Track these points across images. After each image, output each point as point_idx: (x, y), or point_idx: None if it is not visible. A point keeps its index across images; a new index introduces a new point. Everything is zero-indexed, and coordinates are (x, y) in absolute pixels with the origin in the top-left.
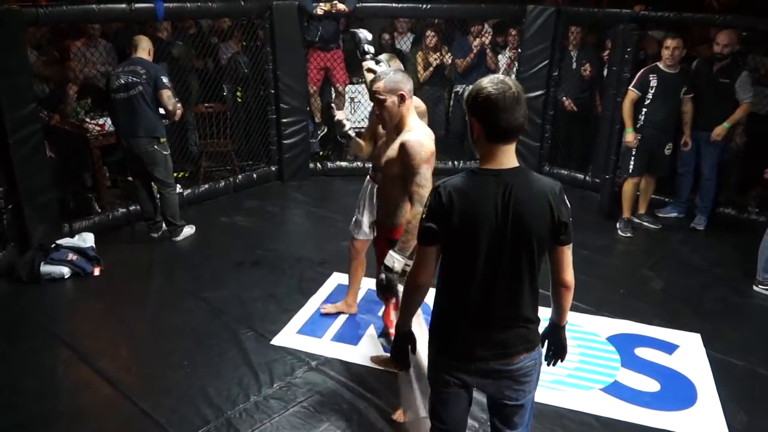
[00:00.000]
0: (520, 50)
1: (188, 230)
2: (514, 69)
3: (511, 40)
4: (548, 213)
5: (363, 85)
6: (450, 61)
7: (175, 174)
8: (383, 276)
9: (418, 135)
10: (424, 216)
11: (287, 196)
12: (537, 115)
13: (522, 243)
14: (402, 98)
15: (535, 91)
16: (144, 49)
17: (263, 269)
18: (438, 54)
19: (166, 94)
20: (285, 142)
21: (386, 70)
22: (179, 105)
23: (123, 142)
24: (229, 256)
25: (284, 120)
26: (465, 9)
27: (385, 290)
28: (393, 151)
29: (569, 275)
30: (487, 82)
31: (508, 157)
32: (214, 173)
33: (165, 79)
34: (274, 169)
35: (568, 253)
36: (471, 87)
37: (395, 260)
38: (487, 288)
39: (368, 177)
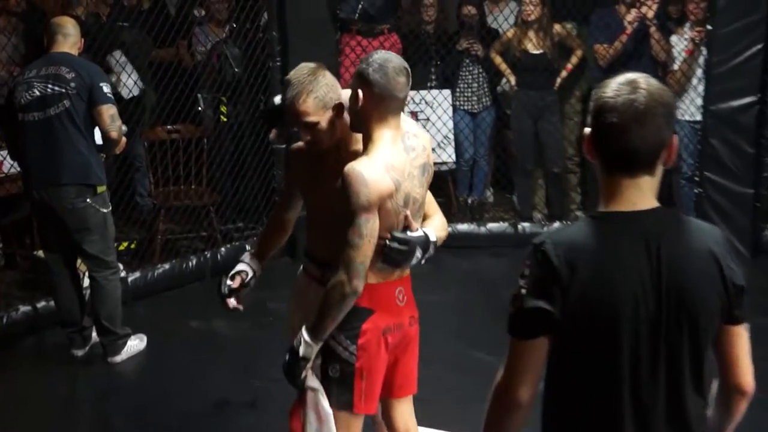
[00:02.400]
0: (710, 27)
1: (135, 344)
2: (701, 60)
3: (694, 10)
4: (717, 276)
5: (435, 93)
6: (579, 47)
7: (117, 245)
8: (286, 358)
9: (370, 165)
10: (523, 290)
11: None
12: (746, 139)
13: (685, 328)
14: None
15: (739, 98)
16: (69, 38)
17: (264, 414)
18: (542, 34)
19: (108, 112)
20: None
21: (297, 77)
22: (124, 128)
23: (34, 193)
24: (205, 391)
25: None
26: None
27: (287, 377)
28: (338, 181)
29: (746, 373)
30: (611, 86)
31: (642, 195)
32: (179, 244)
33: (106, 88)
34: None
35: (744, 337)
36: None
37: (304, 343)
38: (635, 403)
39: (300, 273)
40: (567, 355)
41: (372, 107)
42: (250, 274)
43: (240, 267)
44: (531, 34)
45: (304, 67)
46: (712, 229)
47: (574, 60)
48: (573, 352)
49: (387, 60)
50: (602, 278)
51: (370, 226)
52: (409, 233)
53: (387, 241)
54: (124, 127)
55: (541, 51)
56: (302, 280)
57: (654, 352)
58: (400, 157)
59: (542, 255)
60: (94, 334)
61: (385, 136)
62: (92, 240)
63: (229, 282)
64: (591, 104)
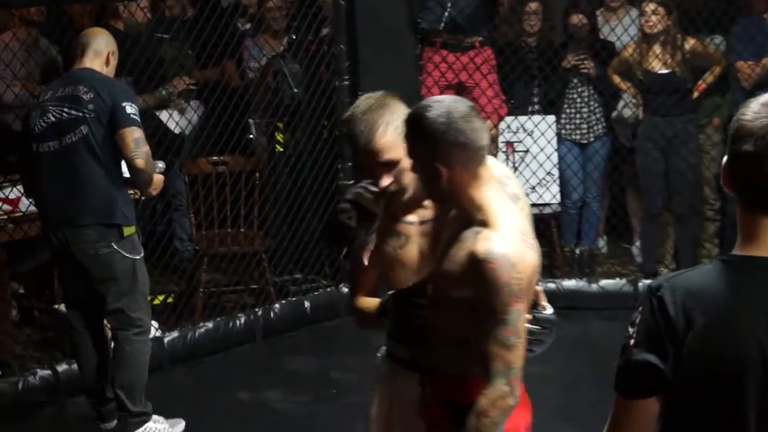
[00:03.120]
0: None
1: (158, 427)
2: None
3: None
4: None
5: (538, 119)
6: (719, 63)
7: (151, 299)
8: None
9: (507, 241)
10: (631, 341)
11: (374, 348)
12: None
13: None
14: (436, 170)
15: None
16: (98, 52)
17: None
18: (669, 49)
19: (132, 136)
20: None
21: (365, 108)
22: (161, 165)
23: (52, 237)
24: None
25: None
26: None
27: None
28: (454, 263)
29: None
30: (751, 106)
31: None
32: (224, 298)
33: (130, 108)
34: (346, 290)
35: None
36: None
37: None
38: None
39: (380, 364)
40: (680, 418)
41: (460, 173)
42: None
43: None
44: (656, 49)
45: (370, 97)
46: None
47: (710, 77)
48: (688, 415)
49: (445, 109)
50: (725, 330)
51: (522, 319)
52: (544, 312)
53: (528, 325)
54: (161, 164)
55: (669, 70)
56: (386, 365)
57: None
58: (517, 214)
59: (658, 301)
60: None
61: (489, 195)
62: (118, 291)
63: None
64: (730, 129)
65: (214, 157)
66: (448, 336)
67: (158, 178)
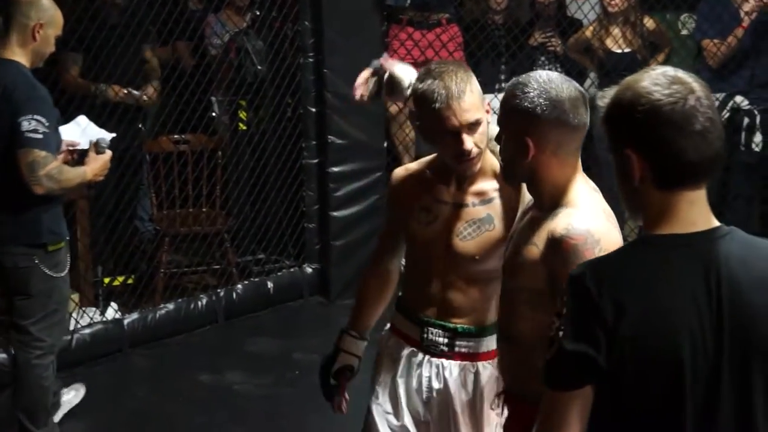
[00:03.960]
0: None
1: None
2: None
3: None
4: None
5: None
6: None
7: (109, 280)
8: None
9: (591, 216)
10: (560, 332)
11: (338, 329)
12: None
13: (756, 370)
14: (524, 145)
15: None
16: (23, 27)
17: None
18: (629, 30)
19: (26, 160)
20: (336, 214)
21: (440, 67)
22: (107, 140)
23: None
24: None
25: (335, 169)
26: None
27: None
28: (530, 251)
29: None
30: (650, 83)
31: (701, 213)
32: (186, 279)
33: (29, 123)
34: (310, 270)
35: None
36: (613, 92)
37: None
38: None
39: (388, 334)
40: (616, 407)
41: (549, 155)
42: (356, 366)
43: (346, 360)
44: (615, 29)
45: (441, 63)
46: None
47: (660, 58)
48: (624, 403)
49: (556, 86)
50: (656, 317)
51: None
52: None
53: None
54: (107, 139)
55: (627, 50)
56: (392, 341)
57: (717, 400)
58: (602, 200)
59: (583, 290)
60: (59, 413)
61: (574, 181)
62: (28, 308)
63: (333, 381)
64: (617, 109)
65: (176, 136)
66: (528, 348)
67: (103, 159)
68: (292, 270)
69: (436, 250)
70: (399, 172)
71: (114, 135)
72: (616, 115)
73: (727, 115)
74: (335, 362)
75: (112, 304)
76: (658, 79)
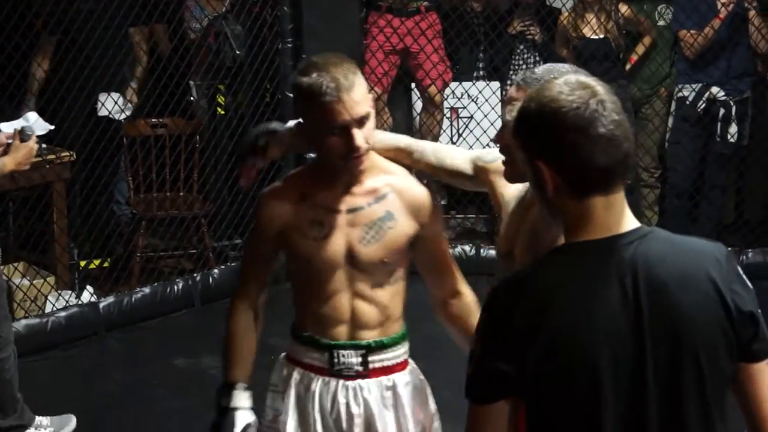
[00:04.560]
0: None
1: None
2: None
3: None
4: (716, 302)
5: (482, 85)
6: (649, 32)
7: (85, 263)
8: None
9: None
10: (476, 346)
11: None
12: None
13: (685, 373)
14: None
15: None
16: None
17: None
18: (604, 16)
19: None
20: None
21: (324, 58)
22: (30, 122)
23: None
24: None
25: (311, 155)
26: None
27: None
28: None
29: None
30: (553, 91)
31: (619, 215)
32: (162, 263)
33: None
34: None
35: None
36: (525, 102)
37: None
38: None
39: (285, 368)
40: (539, 419)
41: None
42: (254, 420)
43: (246, 418)
44: (590, 17)
45: (324, 56)
46: (710, 247)
47: (640, 48)
48: (545, 415)
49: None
50: (572, 328)
51: None
52: None
53: None
54: (31, 120)
55: (601, 36)
56: (295, 374)
57: (645, 402)
58: None
59: (500, 304)
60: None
61: None
62: None
63: None
64: (525, 118)
65: (154, 119)
66: None
67: (28, 147)
68: None
69: (338, 263)
70: (270, 193)
71: (52, 127)
72: (523, 127)
73: (703, 106)
74: (234, 426)
75: (88, 287)
76: (560, 87)
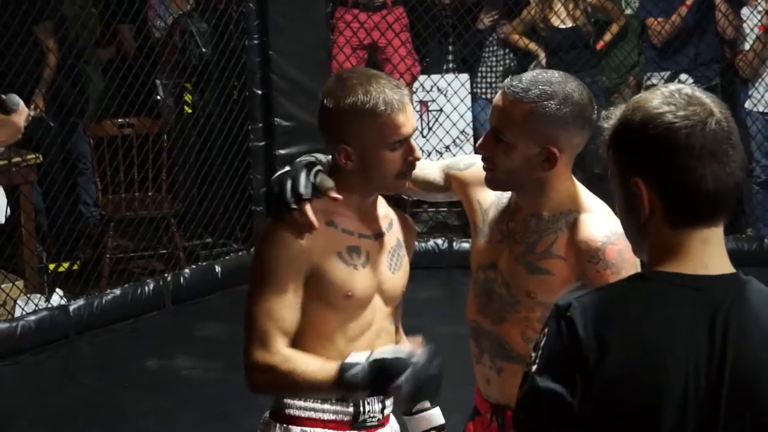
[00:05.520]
0: None
1: None
2: None
3: None
4: None
5: (451, 78)
6: (619, 18)
7: (54, 266)
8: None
9: (611, 220)
10: (533, 368)
11: None
12: None
13: (750, 429)
14: (551, 154)
15: None
16: None
17: None
18: (572, 5)
19: None
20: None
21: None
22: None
23: None
24: None
25: (282, 152)
26: None
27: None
28: (556, 262)
29: None
30: (663, 102)
31: (715, 254)
32: (132, 264)
33: None
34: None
35: None
36: (627, 111)
37: None
38: None
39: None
40: None
41: (565, 161)
42: None
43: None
44: (557, 5)
45: (365, 71)
46: None
47: (607, 36)
48: None
49: (568, 85)
50: (643, 355)
51: None
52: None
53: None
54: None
55: (571, 24)
56: None
57: None
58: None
59: (566, 323)
60: None
61: (576, 183)
62: None
63: None
64: (624, 131)
65: (120, 119)
66: (513, 356)
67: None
68: (239, 254)
69: (373, 293)
70: (287, 225)
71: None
72: (623, 139)
73: None
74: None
75: (58, 290)
76: (672, 98)
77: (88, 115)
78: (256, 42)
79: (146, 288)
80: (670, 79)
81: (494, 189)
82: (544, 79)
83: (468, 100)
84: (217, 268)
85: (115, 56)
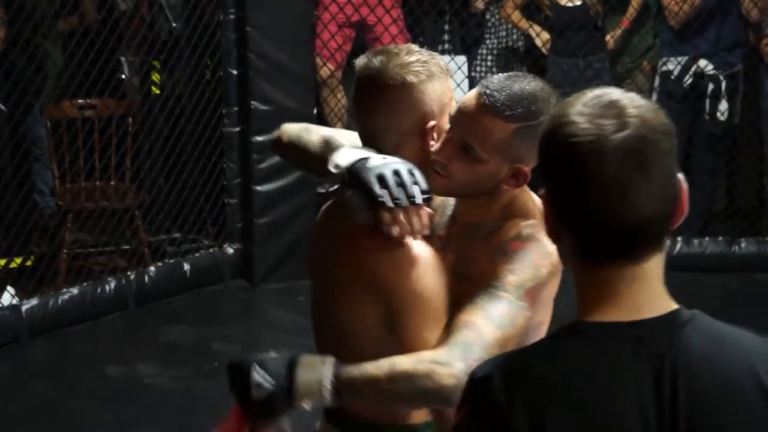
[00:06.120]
0: None
1: None
2: None
3: None
4: (765, 417)
5: (447, 60)
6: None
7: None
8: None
9: (535, 231)
10: None
11: (262, 316)
12: None
13: None
14: (521, 173)
15: None
16: None
17: None
18: None
19: None
20: (260, 189)
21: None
22: None
23: None
24: None
25: (259, 139)
26: None
27: (261, 407)
28: (477, 267)
29: None
30: (576, 109)
31: (650, 292)
32: (92, 261)
33: None
34: (231, 251)
35: None
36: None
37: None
38: None
39: None
40: None
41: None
42: None
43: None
44: None
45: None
46: (757, 343)
47: (630, 11)
48: None
49: (548, 99)
50: (590, 430)
51: (525, 321)
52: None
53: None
54: None
55: (579, 2)
56: None
57: None
58: None
59: (486, 399)
60: None
61: (527, 190)
62: None
63: None
64: (544, 143)
65: (81, 100)
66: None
67: None
68: (211, 250)
69: None
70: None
71: None
72: (541, 144)
73: (690, 81)
74: None
75: (9, 288)
76: (587, 104)
77: (45, 95)
78: (232, 16)
79: (107, 287)
80: (687, 65)
81: (440, 195)
82: (528, 93)
83: (465, 85)
84: (186, 267)
85: (77, 28)
